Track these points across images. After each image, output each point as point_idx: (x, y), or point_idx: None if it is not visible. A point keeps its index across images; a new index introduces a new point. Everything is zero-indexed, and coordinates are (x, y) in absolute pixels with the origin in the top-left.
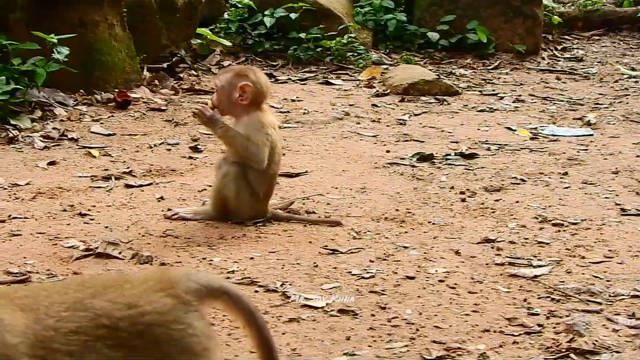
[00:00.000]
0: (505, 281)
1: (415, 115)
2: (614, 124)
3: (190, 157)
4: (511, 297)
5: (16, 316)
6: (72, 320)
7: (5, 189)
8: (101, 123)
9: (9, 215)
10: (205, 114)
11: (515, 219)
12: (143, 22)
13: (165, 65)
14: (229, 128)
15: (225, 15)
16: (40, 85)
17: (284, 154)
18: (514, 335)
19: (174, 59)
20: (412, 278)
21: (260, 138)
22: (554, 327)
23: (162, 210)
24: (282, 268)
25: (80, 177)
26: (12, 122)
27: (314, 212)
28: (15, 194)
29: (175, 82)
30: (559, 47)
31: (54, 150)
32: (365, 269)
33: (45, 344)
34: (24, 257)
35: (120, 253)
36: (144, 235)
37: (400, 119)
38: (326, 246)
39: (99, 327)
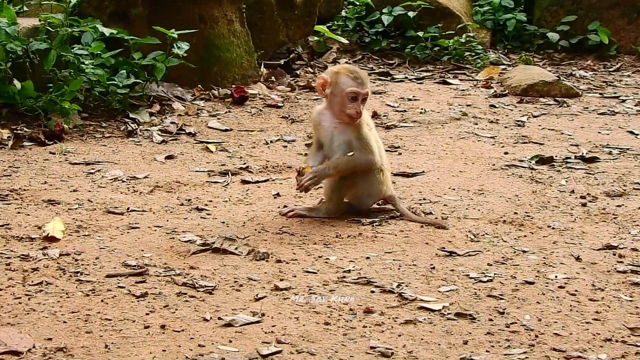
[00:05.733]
0: (628, 289)
1: (534, 116)
2: None
3: (307, 154)
4: (634, 306)
5: None
6: None
7: (124, 181)
8: (218, 118)
9: (128, 208)
10: (311, 181)
11: (638, 225)
12: (262, 19)
13: (282, 61)
14: (331, 165)
15: (343, 13)
16: (160, 79)
17: (399, 154)
18: (636, 346)
19: (291, 56)
20: (532, 283)
21: (369, 138)
22: None
23: (278, 207)
24: (399, 269)
25: (197, 171)
26: (132, 115)
27: (430, 213)
28: (133, 187)
29: (291, 78)
30: None
31: (171, 145)
32: (483, 273)
33: None
34: (142, 250)
35: (236, 249)
36: (260, 232)
37: (518, 121)
38: (443, 248)
39: None
